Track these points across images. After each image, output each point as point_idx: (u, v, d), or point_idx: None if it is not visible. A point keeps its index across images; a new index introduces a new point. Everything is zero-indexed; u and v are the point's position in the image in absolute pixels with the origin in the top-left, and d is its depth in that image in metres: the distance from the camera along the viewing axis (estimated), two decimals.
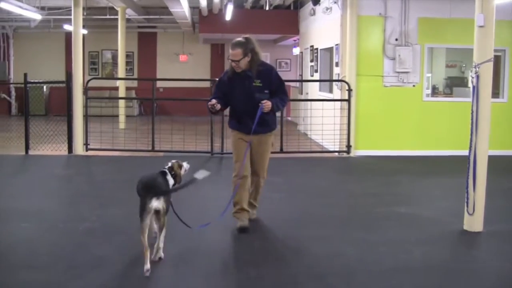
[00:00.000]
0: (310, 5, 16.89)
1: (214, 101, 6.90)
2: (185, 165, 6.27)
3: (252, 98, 6.92)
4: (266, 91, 6.96)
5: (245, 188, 7.08)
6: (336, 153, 13.59)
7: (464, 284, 5.49)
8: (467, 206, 7.09)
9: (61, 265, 5.80)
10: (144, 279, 5.37)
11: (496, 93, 13.61)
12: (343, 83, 13.37)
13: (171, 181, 6.00)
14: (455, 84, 14.98)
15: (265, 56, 24.69)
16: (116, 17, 19.60)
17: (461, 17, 13.27)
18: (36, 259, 5.96)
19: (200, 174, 5.68)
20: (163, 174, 6.00)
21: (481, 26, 6.88)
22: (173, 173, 6.06)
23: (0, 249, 6.28)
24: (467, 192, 7.07)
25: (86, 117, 13.41)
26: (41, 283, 5.32)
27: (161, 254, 5.84)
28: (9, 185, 9.91)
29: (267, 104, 6.82)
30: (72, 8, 13.52)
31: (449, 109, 13.63)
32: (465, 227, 7.17)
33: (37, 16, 19.69)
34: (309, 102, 15.73)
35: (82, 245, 6.48)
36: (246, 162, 7.02)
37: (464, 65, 15.16)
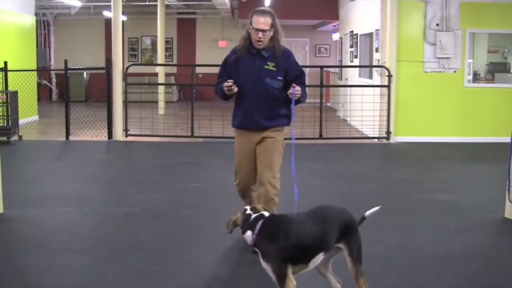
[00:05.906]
0: None
1: (231, 81, 5.54)
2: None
3: (261, 83, 5.57)
4: (279, 78, 5.57)
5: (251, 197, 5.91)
6: (376, 139, 13.50)
7: (504, 272, 5.41)
8: (509, 193, 6.98)
9: (102, 248, 5.89)
10: (184, 263, 5.41)
11: None
12: (383, 69, 13.25)
13: None
14: (497, 70, 14.75)
15: (305, 42, 24.61)
16: (155, 3, 19.67)
17: (504, 1, 13.05)
18: (77, 243, 6.04)
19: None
20: None
21: None
22: None
23: (44, 233, 6.38)
24: (509, 180, 6.95)
25: (126, 103, 13.51)
26: (82, 266, 5.39)
27: None
28: (51, 170, 10.05)
29: (298, 90, 5.43)
30: None
31: (491, 95, 13.42)
32: (507, 215, 7.06)
33: (77, 3, 19.90)
34: (348, 88, 15.60)
35: (122, 229, 6.56)
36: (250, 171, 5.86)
37: (506, 51, 14.91)
